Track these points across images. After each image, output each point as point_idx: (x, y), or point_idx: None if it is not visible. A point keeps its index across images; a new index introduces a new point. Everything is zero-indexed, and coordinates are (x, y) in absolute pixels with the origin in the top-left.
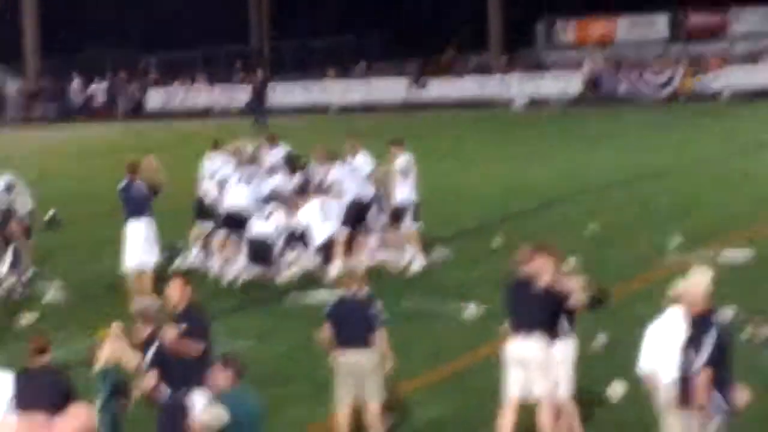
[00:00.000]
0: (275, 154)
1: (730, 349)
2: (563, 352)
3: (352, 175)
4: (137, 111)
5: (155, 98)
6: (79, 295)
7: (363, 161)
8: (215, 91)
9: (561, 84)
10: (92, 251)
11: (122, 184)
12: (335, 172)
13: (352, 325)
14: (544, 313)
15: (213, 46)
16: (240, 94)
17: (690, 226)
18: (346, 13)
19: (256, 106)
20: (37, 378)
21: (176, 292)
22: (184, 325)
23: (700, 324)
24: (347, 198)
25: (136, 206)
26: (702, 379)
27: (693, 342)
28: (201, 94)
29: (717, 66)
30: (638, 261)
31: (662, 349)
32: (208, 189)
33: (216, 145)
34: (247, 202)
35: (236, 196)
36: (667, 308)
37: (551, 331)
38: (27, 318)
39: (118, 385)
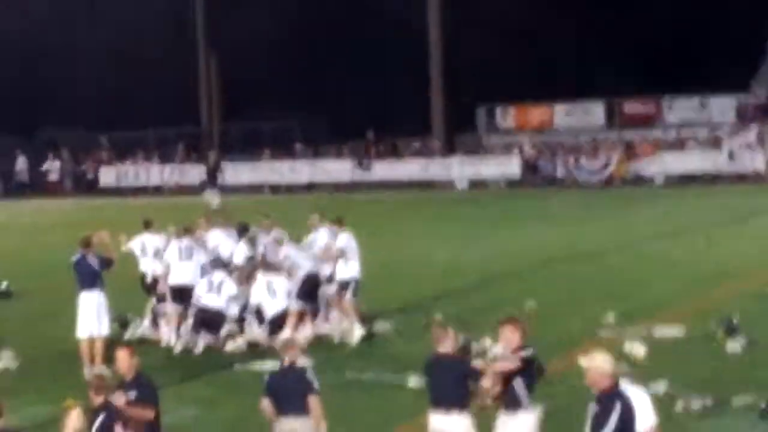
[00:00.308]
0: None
1: (633, 424)
2: (525, 424)
3: (302, 251)
4: (90, 188)
5: (108, 176)
6: (31, 364)
7: (325, 235)
8: (166, 170)
9: (501, 167)
10: (44, 321)
11: (75, 257)
12: (286, 249)
13: (288, 393)
14: (459, 389)
15: (164, 127)
16: (190, 173)
17: (623, 304)
18: (291, 97)
19: (210, 186)
20: None
21: (124, 362)
22: (134, 393)
23: (604, 401)
24: (301, 273)
25: (88, 279)
26: None
27: (598, 419)
28: (153, 173)
29: (650, 152)
30: (574, 337)
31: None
32: (148, 267)
33: (147, 225)
34: (191, 278)
35: (180, 273)
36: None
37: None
38: None
39: None
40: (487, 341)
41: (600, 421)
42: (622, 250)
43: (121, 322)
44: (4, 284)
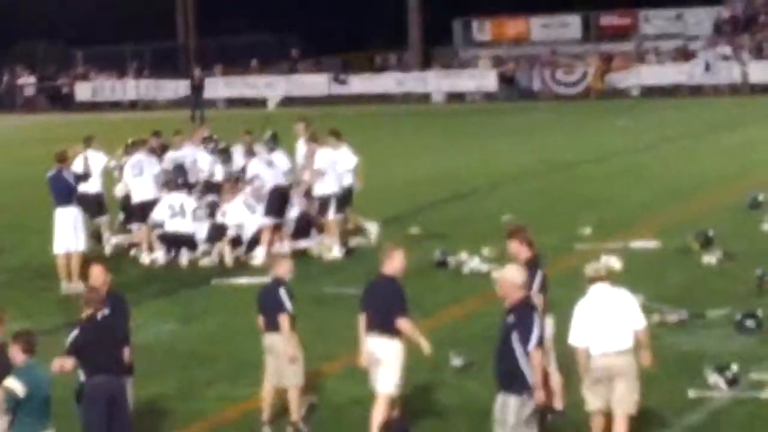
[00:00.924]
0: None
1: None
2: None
3: (270, 166)
4: (66, 103)
5: (84, 91)
6: (10, 278)
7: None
8: (142, 85)
9: (477, 80)
10: (22, 236)
11: (51, 172)
12: (254, 166)
13: (268, 308)
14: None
15: (140, 42)
16: (166, 88)
17: (599, 217)
18: (267, 12)
19: (195, 100)
20: None
21: (98, 278)
22: (107, 309)
23: (520, 312)
24: (267, 188)
25: (64, 194)
26: (535, 359)
27: (519, 329)
28: (129, 87)
29: (626, 65)
30: (551, 250)
31: (590, 324)
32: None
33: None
34: (149, 193)
35: (137, 191)
36: (589, 288)
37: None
38: None
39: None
40: (464, 255)
41: (521, 331)
42: (598, 163)
43: (95, 236)
44: None
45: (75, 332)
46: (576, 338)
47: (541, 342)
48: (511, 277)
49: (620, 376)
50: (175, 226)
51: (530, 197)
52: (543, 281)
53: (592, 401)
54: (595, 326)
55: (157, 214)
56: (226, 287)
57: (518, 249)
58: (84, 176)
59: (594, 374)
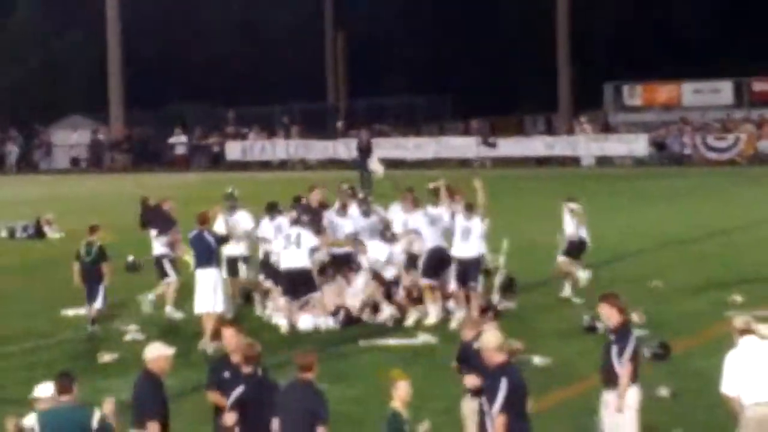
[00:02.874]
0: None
1: (522, 397)
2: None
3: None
4: (216, 162)
5: (234, 150)
6: (158, 336)
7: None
8: (291, 145)
9: (627, 144)
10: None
11: (192, 233)
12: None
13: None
14: None
15: (290, 102)
16: (315, 148)
17: (751, 285)
18: (418, 74)
19: (362, 162)
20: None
21: (231, 339)
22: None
23: (492, 376)
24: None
25: (204, 255)
26: (498, 424)
27: (487, 394)
28: (278, 147)
29: None
30: (699, 317)
31: (742, 374)
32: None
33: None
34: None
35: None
36: (739, 339)
37: None
38: (107, 357)
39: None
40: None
41: (488, 396)
42: (749, 230)
43: (245, 296)
44: (131, 257)
45: (240, 389)
46: (728, 387)
47: (506, 408)
48: (487, 342)
49: None
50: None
51: (680, 263)
52: (635, 351)
53: None
54: (748, 376)
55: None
56: (374, 348)
57: (609, 313)
58: (225, 238)
59: (748, 424)
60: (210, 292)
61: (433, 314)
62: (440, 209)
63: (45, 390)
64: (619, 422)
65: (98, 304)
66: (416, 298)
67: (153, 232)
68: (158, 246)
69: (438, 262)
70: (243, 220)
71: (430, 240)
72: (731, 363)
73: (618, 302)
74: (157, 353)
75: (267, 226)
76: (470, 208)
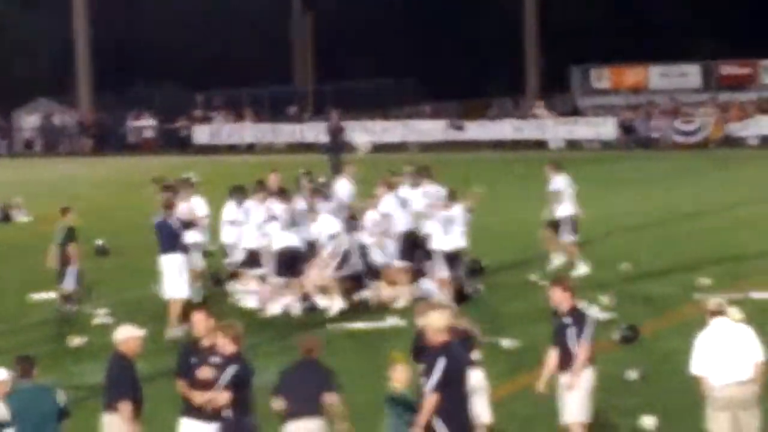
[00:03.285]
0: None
1: (459, 377)
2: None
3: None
4: (184, 145)
5: (202, 134)
6: (124, 320)
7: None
8: (260, 129)
9: (595, 128)
10: (135, 279)
11: (157, 219)
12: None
13: None
14: None
15: (258, 86)
16: (284, 132)
17: (719, 267)
18: (385, 57)
19: (333, 145)
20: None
21: (200, 323)
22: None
23: (432, 355)
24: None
25: (168, 240)
26: (427, 405)
27: (426, 371)
28: (246, 131)
29: (745, 114)
30: (667, 300)
31: (711, 355)
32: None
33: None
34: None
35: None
36: (710, 321)
37: None
38: (76, 340)
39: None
40: (582, 303)
41: (426, 373)
42: (717, 213)
43: (215, 280)
44: (101, 242)
45: (233, 368)
46: (698, 368)
47: (439, 387)
48: (432, 321)
49: (742, 406)
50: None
51: (648, 246)
52: (592, 333)
53: (717, 429)
54: (717, 357)
55: None
56: (340, 331)
57: (561, 297)
58: (189, 224)
59: (716, 405)
60: (176, 277)
61: (403, 298)
62: (415, 192)
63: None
64: (567, 401)
65: (68, 285)
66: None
67: None
68: None
69: (411, 245)
70: (198, 206)
71: (401, 223)
72: (701, 344)
73: (570, 286)
74: (128, 335)
75: (233, 210)
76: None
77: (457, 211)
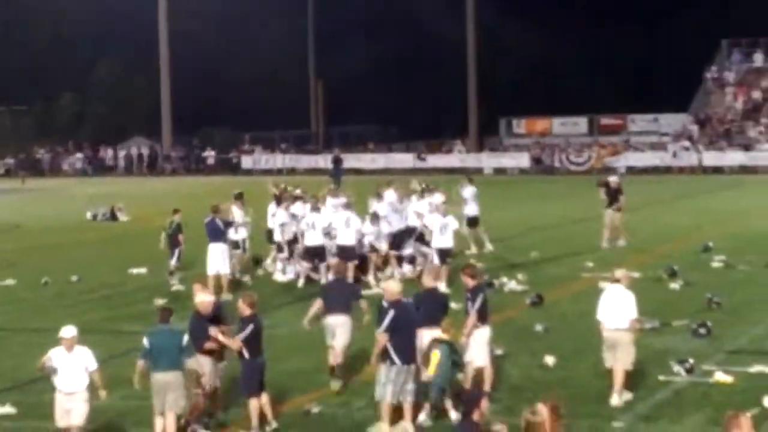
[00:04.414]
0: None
1: (407, 325)
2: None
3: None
4: (235, 170)
5: (247, 161)
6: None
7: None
8: (287, 158)
9: (515, 160)
10: (199, 261)
11: (207, 218)
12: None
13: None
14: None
15: (285, 129)
16: (303, 161)
17: (599, 256)
18: (372, 110)
19: (335, 171)
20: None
21: (243, 306)
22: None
23: (384, 307)
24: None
25: (215, 234)
26: (379, 341)
27: (378, 318)
28: (277, 160)
29: (618, 151)
30: (564, 276)
31: (606, 308)
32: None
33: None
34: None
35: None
36: (612, 284)
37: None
38: (160, 301)
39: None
40: (504, 278)
41: (379, 319)
42: (596, 219)
43: (255, 259)
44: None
45: (250, 327)
46: (599, 316)
47: (393, 330)
48: (391, 287)
49: (620, 344)
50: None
51: (550, 240)
52: (483, 304)
53: (607, 360)
54: (608, 310)
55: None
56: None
57: (466, 280)
58: (230, 223)
59: (606, 342)
60: (219, 260)
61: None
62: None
63: (67, 332)
64: (472, 353)
65: (174, 261)
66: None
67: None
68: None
69: (401, 239)
70: (236, 212)
71: (395, 223)
72: (602, 300)
73: (473, 272)
74: (201, 299)
75: (282, 213)
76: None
77: (450, 219)
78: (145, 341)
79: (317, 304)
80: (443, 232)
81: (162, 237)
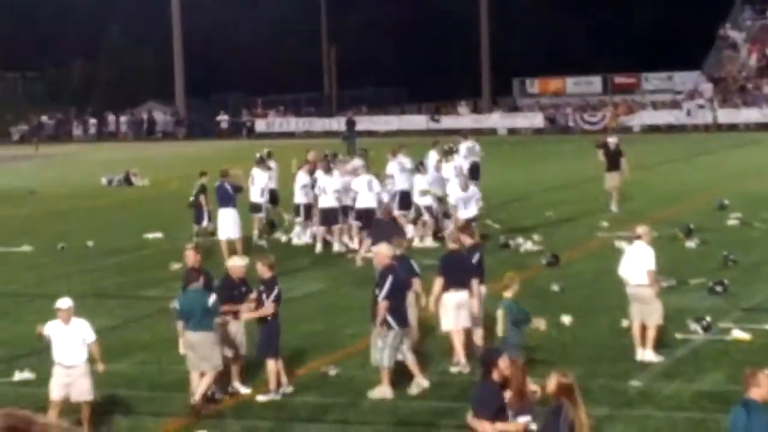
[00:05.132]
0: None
1: (403, 288)
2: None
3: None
4: (249, 134)
5: (261, 125)
6: (206, 253)
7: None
8: (300, 122)
9: (529, 120)
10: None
11: (216, 183)
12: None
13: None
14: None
15: (298, 92)
16: (316, 124)
17: (615, 215)
18: (386, 73)
19: (348, 133)
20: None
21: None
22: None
23: (382, 272)
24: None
25: (225, 199)
26: (381, 307)
27: (378, 284)
28: (290, 123)
29: (632, 110)
30: (579, 236)
31: (628, 264)
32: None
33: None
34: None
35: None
36: (634, 242)
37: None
38: (175, 266)
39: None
40: (520, 239)
41: (379, 284)
42: None
43: (270, 223)
44: (192, 198)
45: (277, 289)
46: (621, 272)
47: (388, 296)
48: (383, 251)
49: (645, 300)
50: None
51: (565, 200)
52: (480, 261)
53: (634, 316)
54: (630, 267)
55: None
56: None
57: (464, 239)
58: (239, 188)
59: (631, 299)
60: (230, 225)
61: (409, 232)
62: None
63: (63, 303)
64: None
65: (204, 222)
66: None
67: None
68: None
69: (408, 199)
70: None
71: (399, 183)
72: (625, 258)
73: (471, 231)
74: (233, 263)
75: (303, 176)
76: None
77: (473, 190)
78: (176, 303)
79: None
80: (467, 206)
81: (190, 199)
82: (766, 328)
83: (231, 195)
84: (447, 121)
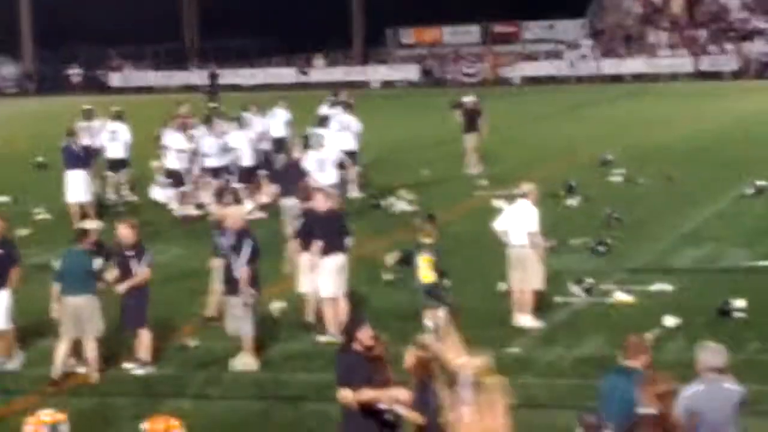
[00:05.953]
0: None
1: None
2: None
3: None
4: (102, 88)
5: (116, 79)
6: (55, 216)
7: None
8: (159, 75)
9: (403, 72)
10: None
11: (63, 144)
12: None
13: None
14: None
15: (156, 43)
16: (175, 77)
17: (492, 172)
18: (250, 22)
19: (212, 87)
20: None
21: (127, 231)
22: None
23: (238, 235)
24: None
25: (72, 160)
26: (243, 272)
27: (235, 248)
28: (148, 77)
29: (511, 61)
30: (456, 196)
31: (508, 223)
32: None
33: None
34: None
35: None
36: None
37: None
38: (23, 231)
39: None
40: (392, 199)
41: (236, 249)
42: (494, 132)
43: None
44: (40, 158)
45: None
46: (498, 227)
47: (249, 263)
48: (238, 213)
49: (527, 263)
50: None
51: (441, 157)
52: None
53: (513, 280)
54: (513, 226)
55: None
56: None
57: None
58: (88, 148)
59: (511, 261)
60: (78, 187)
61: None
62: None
63: None
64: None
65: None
66: None
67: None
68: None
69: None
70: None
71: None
72: (506, 216)
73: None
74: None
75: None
76: None
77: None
78: (57, 263)
79: None
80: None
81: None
82: (649, 289)
83: (78, 155)
84: (316, 74)
